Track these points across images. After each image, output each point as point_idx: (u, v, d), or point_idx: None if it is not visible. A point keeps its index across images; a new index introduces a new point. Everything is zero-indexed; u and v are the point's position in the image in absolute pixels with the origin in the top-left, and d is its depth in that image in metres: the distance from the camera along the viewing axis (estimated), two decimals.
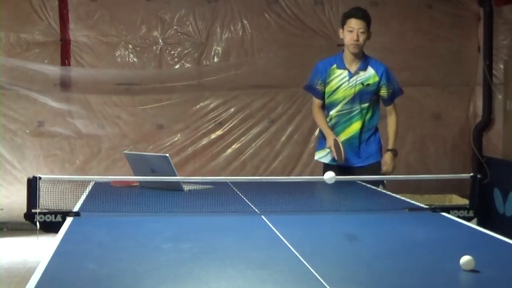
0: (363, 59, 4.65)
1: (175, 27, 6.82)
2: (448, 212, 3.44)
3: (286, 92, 6.84)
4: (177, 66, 6.84)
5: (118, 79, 6.76)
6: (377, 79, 4.62)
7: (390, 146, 4.64)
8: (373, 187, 4.26)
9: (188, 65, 6.85)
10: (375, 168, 4.58)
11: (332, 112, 4.65)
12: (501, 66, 6.60)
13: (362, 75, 4.62)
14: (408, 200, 3.79)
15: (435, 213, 3.42)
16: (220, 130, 6.85)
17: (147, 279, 2.17)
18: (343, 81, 4.62)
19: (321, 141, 4.74)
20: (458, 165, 6.75)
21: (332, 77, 4.65)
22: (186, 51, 6.83)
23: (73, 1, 6.69)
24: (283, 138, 6.86)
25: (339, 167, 4.54)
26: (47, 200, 3.31)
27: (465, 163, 6.82)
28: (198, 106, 6.85)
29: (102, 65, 6.76)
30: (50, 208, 3.28)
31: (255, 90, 6.85)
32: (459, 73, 6.88)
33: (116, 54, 6.79)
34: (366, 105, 4.62)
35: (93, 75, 6.73)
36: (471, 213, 3.52)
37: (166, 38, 6.81)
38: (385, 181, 4.31)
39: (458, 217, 3.41)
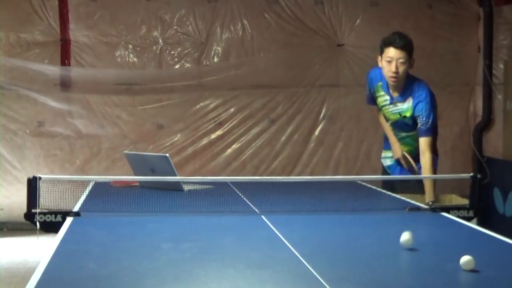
0: (405, 87, 4.19)
1: (175, 27, 6.81)
2: (448, 212, 3.44)
3: (286, 92, 6.84)
4: (177, 66, 6.84)
5: (118, 79, 6.76)
6: (411, 112, 4.17)
7: (426, 200, 3.93)
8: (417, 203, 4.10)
9: (188, 65, 6.84)
10: (415, 191, 4.13)
11: (388, 124, 4.40)
12: (501, 66, 6.60)
13: (400, 106, 4.21)
14: (408, 200, 3.79)
15: (435, 213, 3.42)
16: (220, 130, 6.84)
17: (147, 279, 2.17)
18: (385, 103, 4.30)
19: (386, 141, 4.46)
20: (458, 165, 6.75)
21: (377, 94, 4.32)
22: (186, 51, 6.83)
23: (73, 1, 6.69)
24: (283, 138, 6.86)
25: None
26: (47, 200, 3.31)
27: (465, 163, 6.82)
28: (198, 106, 6.85)
29: (102, 65, 6.76)
30: (50, 208, 3.28)
31: (255, 90, 6.85)
32: (459, 73, 6.88)
33: (116, 54, 6.79)
34: (409, 133, 4.26)
35: (93, 75, 6.73)
36: (471, 213, 3.52)
37: (166, 38, 6.81)
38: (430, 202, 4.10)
39: (458, 217, 3.41)
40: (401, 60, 4.11)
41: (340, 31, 6.79)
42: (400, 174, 4.37)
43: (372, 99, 4.41)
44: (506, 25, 6.58)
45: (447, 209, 3.50)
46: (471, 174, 3.71)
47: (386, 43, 4.19)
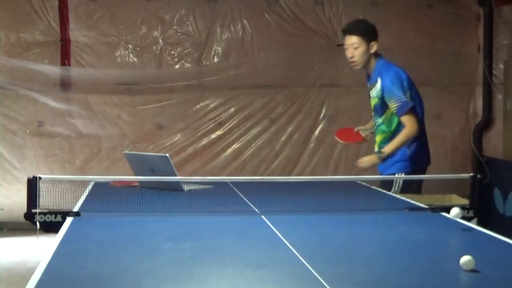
0: (374, 70, 4.39)
1: (175, 27, 6.82)
2: (448, 212, 3.44)
3: (286, 92, 6.84)
4: (177, 66, 6.84)
5: (118, 79, 6.76)
6: (380, 93, 4.35)
7: (379, 149, 4.34)
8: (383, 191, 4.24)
9: (188, 65, 6.85)
10: (388, 181, 4.36)
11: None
12: (501, 66, 6.60)
13: (374, 89, 4.39)
14: (408, 200, 3.79)
15: (435, 213, 3.42)
16: (220, 130, 6.85)
17: (147, 279, 2.17)
18: (369, 91, 4.50)
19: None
20: (458, 165, 6.75)
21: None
22: (186, 51, 6.83)
23: (73, 1, 6.69)
24: (283, 138, 6.86)
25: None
26: (47, 200, 3.31)
27: (465, 163, 6.82)
28: (198, 106, 6.85)
29: (102, 65, 6.76)
30: (50, 208, 3.28)
31: (255, 90, 6.85)
32: (459, 73, 6.88)
33: (116, 54, 6.79)
34: (383, 117, 4.39)
35: (93, 75, 6.73)
36: (471, 213, 3.52)
37: (166, 38, 6.81)
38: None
39: None
40: (354, 46, 4.32)
41: (340, 31, 6.78)
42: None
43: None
44: (506, 25, 6.58)
45: (447, 209, 3.50)
46: (471, 174, 3.71)
47: (342, 32, 4.47)
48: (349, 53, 4.36)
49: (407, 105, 4.29)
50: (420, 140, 4.46)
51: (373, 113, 4.52)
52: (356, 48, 4.33)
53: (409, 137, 4.31)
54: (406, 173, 4.38)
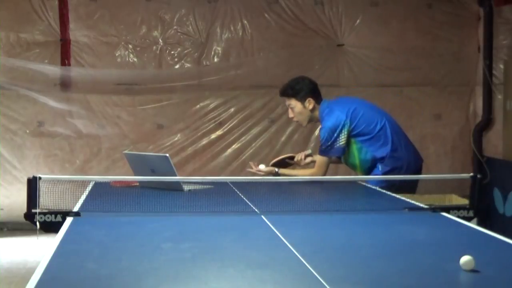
0: (320, 120, 4.60)
1: (175, 27, 6.82)
2: (448, 212, 3.44)
3: None
4: (177, 66, 6.84)
5: (118, 79, 6.76)
6: None
7: (280, 170, 4.64)
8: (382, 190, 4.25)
9: (188, 65, 6.85)
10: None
11: None
12: (501, 66, 6.60)
13: None
14: (408, 200, 3.79)
15: (435, 213, 3.42)
16: (220, 130, 6.85)
17: (147, 279, 2.17)
18: None
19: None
20: (458, 165, 6.75)
21: None
22: (186, 51, 6.83)
23: (73, 1, 6.69)
24: (283, 138, 6.86)
25: None
26: (47, 200, 3.31)
27: (465, 163, 6.82)
28: (198, 106, 6.85)
29: (102, 65, 6.76)
30: (50, 208, 3.28)
31: (255, 90, 6.85)
32: (459, 73, 6.88)
33: (116, 54, 6.79)
34: (343, 157, 4.61)
35: (93, 75, 6.73)
36: (471, 213, 3.52)
37: (166, 38, 6.81)
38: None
39: (458, 217, 3.40)
40: (291, 106, 4.60)
41: (340, 31, 6.79)
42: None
43: None
44: (506, 25, 6.58)
45: (447, 209, 3.50)
46: (471, 174, 3.71)
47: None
48: (289, 114, 4.65)
49: (321, 147, 4.53)
50: (394, 159, 4.49)
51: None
52: (291, 108, 4.61)
53: (310, 177, 4.56)
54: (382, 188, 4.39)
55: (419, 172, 4.66)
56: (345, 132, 4.46)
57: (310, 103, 4.55)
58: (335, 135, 4.46)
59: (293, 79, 4.68)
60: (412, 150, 4.67)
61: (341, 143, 4.47)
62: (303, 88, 4.58)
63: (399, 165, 4.51)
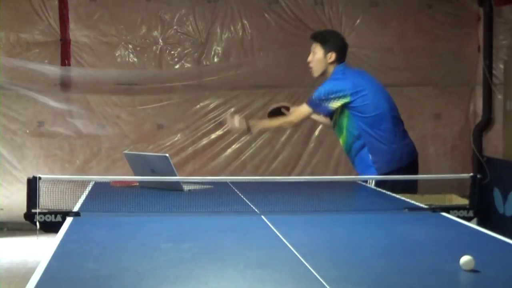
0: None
1: (175, 27, 6.82)
2: (448, 212, 3.44)
3: (286, 92, 6.83)
4: (177, 66, 6.84)
5: (118, 79, 6.76)
6: None
7: (253, 123, 4.68)
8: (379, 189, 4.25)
9: (188, 65, 6.85)
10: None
11: None
12: (501, 66, 6.60)
13: None
14: (408, 200, 3.79)
15: (435, 213, 3.42)
16: (220, 130, 6.84)
17: (147, 279, 2.17)
18: None
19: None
20: (458, 165, 6.75)
21: None
22: (186, 51, 6.83)
23: (73, 1, 6.69)
24: (283, 138, 6.86)
25: None
26: (47, 200, 3.31)
27: (465, 163, 6.82)
28: (198, 106, 6.85)
29: (102, 65, 6.76)
30: (50, 208, 3.28)
31: (255, 90, 6.85)
32: (459, 73, 6.88)
33: (116, 54, 6.79)
34: (333, 121, 4.59)
35: (93, 75, 6.73)
36: (471, 213, 3.52)
37: (166, 38, 6.81)
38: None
39: (458, 217, 3.40)
40: (313, 50, 4.57)
41: (340, 31, 6.77)
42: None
43: None
44: (506, 25, 6.58)
45: (447, 209, 3.50)
46: (471, 174, 3.71)
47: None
48: (309, 58, 4.61)
49: (309, 97, 4.53)
50: (383, 144, 4.46)
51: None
52: (312, 53, 4.57)
53: (286, 124, 4.71)
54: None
55: (415, 163, 4.63)
56: (341, 101, 4.42)
57: (331, 57, 4.51)
58: (330, 97, 4.43)
59: (330, 30, 4.71)
60: (406, 143, 4.61)
61: (331, 106, 4.45)
62: (333, 41, 4.57)
63: (390, 158, 4.46)
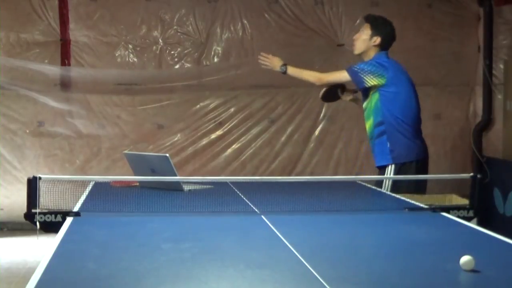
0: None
1: (175, 27, 6.82)
2: (448, 212, 3.44)
3: (286, 92, 6.84)
4: (177, 66, 6.84)
5: (118, 79, 6.76)
6: None
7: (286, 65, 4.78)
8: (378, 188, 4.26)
9: (188, 65, 6.85)
10: (381, 172, 4.57)
11: None
12: (501, 66, 6.60)
13: None
14: (408, 200, 3.79)
15: (435, 213, 3.42)
16: (220, 130, 6.84)
17: (147, 279, 2.17)
18: None
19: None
20: (458, 165, 6.75)
21: None
22: (186, 51, 6.83)
23: (73, 1, 6.69)
24: (283, 138, 6.86)
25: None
26: (47, 200, 3.31)
27: (465, 163, 6.82)
28: (198, 106, 6.85)
29: (102, 65, 6.76)
30: (50, 208, 3.28)
31: (255, 90, 6.85)
32: (459, 73, 6.88)
33: (116, 54, 6.79)
34: (367, 101, 4.64)
35: (93, 75, 6.73)
36: (471, 213, 3.52)
37: (166, 38, 6.81)
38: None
39: (458, 217, 3.41)
40: (362, 29, 4.68)
41: (340, 31, 6.79)
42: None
43: None
44: (506, 25, 6.58)
45: (447, 209, 3.50)
46: (471, 174, 3.71)
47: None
48: (356, 35, 4.72)
49: (353, 68, 4.60)
50: (403, 135, 4.56)
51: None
52: (361, 31, 4.67)
53: (314, 78, 4.79)
54: (391, 165, 4.51)
55: (427, 160, 4.72)
56: (377, 81, 4.52)
57: (376, 41, 4.62)
58: (370, 73, 4.53)
59: (385, 18, 4.77)
60: (422, 139, 4.77)
61: (366, 80, 4.54)
62: (383, 28, 4.66)
63: (408, 151, 4.57)
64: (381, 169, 4.57)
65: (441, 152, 6.89)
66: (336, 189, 4.15)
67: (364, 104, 4.66)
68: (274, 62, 4.79)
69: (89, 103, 6.75)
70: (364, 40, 4.64)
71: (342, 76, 4.66)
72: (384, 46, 4.65)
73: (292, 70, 4.79)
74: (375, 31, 4.62)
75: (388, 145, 4.54)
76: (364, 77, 4.54)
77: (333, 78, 4.74)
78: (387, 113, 4.54)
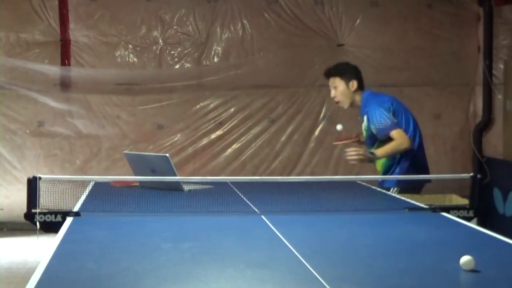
0: (362, 106, 4.50)
1: (175, 27, 6.82)
2: (448, 212, 3.44)
3: (286, 92, 6.84)
4: (177, 66, 6.84)
5: (118, 79, 6.76)
6: (369, 125, 4.43)
7: (373, 151, 4.35)
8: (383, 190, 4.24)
9: (188, 65, 6.85)
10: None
11: None
12: (501, 66, 6.60)
13: (363, 124, 4.50)
14: (408, 200, 3.79)
15: (435, 213, 3.42)
16: (220, 130, 6.85)
17: (147, 279, 2.17)
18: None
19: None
20: (458, 165, 6.75)
21: None
22: (186, 51, 6.83)
23: (73, 1, 6.69)
24: (283, 138, 6.86)
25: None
26: (47, 200, 3.31)
27: (465, 163, 6.82)
28: (198, 106, 6.85)
29: (102, 65, 6.76)
30: (50, 208, 3.28)
31: (255, 90, 6.85)
32: (459, 73, 6.88)
33: (116, 54, 6.79)
34: (375, 147, 4.42)
35: (93, 75, 6.73)
36: (471, 213, 3.52)
37: (166, 38, 6.81)
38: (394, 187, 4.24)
39: (458, 217, 3.41)
40: (334, 85, 4.50)
41: (340, 31, 6.79)
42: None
43: None
44: (506, 25, 6.58)
45: (447, 209, 3.50)
46: (471, 174, 3.71)
47: (324, 76, 4.62)
48: (331, 93, 4.54)
49: (388, 125, 4.32)
50: (410, 162, 4.42)
51: (365, 144, 4.57)
52: (334, 88, 4.51)
53: (399, 148, 4.32)
54: (395, 187, 4.35)
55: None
56: (391, 111, 4.39)
57: (353, 85, 4.48)
58: (391, 109, 4.37)
59: (339, 63, 4.70)
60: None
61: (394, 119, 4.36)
62: (348, 70, 4.56)
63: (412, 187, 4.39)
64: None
65: (441, 152, 6.89)
66: (336, 189, 4.15)
67: (372, 149, 4.43)
68: (361, 152, 4.38)
69: (89, 103, 6.75)
70: (343, 92, 4.47)
71: (401, 133, 4.34)
72: (361, 85, 4.51)
73: (381, 152, 4.36)
74: (346, 77, 4.48)
75: (397, 170, 4.41)
76: (389, 120, 4.34)
77: (402, 137, 4.33)
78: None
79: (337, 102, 4.55)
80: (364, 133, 4.52)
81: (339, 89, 4.50)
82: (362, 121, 4.50)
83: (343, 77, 4.49)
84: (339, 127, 4.58)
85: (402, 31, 6.84)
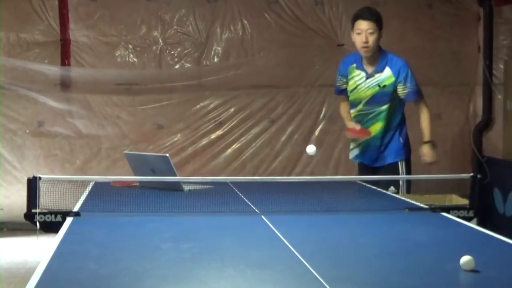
0: (380, 59, 4.47)
1: (175, 27, 6.81)
2: (448, 212, 3.44)
3: (286, 92, 6.84)
4: (177, 66, 6.84)
5: (118, 79, 6.76)
6: (393, 79, 4.42)
7: (425, 139, 4.45)
8: (383, 190, 4.23)
9: (188, 65, 6.84)
10: (391, 169, 4.49)
11: (353, 111, 4.60)
12: (501, 66, 6.60)
13: (378, 77, 4.44)
14: (408, 200, 3.79)
15: (435, 213, 3.42)
16: (220, 130, 6.84)
17: (147, 279, 2.17)
18: (360, 82, 4.51)
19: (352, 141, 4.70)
20: (458, 165, 6.74)
21: (350, 76, 4.56)
22: (186, 51, 6.83)
23: (73, 1, 6.69)
24: (283, 138, 6.86)
25: (365, 167, 4.60)
26: (47, 200, 3.31)
27: (465, 163, 6.81)
28: (198, 106, 6.85)
29: (102, 65, 6.76)
30: (50, 208, 3.28)
31: (255, 90, 6.85)
32: (459, 73, 6.88)
33: (116, 54, 6.79)
34: (385, 106, 4.46)
35: (93, 75, 6.73)
36: (471, 213, 3.52)
37: (166, 38, 6.81)
38: (395, 187, 4.26)
39: (458, 217, 3.41)
40: (369, 31, 4.40)
41: (340, 31, 6.78)
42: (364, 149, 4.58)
43: (341, 90, 4.67)
44: (506, 25, 6.58)
45: (447, 209, 3.50)
46: (471, 174, 3.71)
47: (356, 17, 4.53)
48: (363, 37, 4.40)
49: (420, 92, 4.48)
50: (405, 128, 4.60)
51: (364, 103, 4.54)
52: (371, 34, 4.42)
53: (431, 119, 4.50)
54: (403, 160, 4.53)
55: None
56: None
57: (381, 35, 4.48)
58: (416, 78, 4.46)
59: (373, 8, 4.66)
60: None
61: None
62: (381, 20, 4.52)
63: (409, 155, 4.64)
64: (382, 169, 4.54)
65: (441, 152, 6.87)
66: (336, 189, 4.15)
67: (384, 107, 4.48)
68: (431, 151, 4.48)
69: (89, 103, 6.75)
70: (376, 41, 4.43)
71: (426, 103, 4.54)
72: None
73: (429, 133, 4.48)
74: (381, 27, 4.46)
75: (401, 140, 4.54)
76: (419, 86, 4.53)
77: (429, 108, 4.54)
78: (402, 110, 4.56)
79: (366, 48, 4.42)
80: (372, 90, 4.47)
81: (374, 35, 4.41)
82: (377, 73, 4.45)
83: (378, 25, 4.45)
84: (310, 150, 4.06)
85: (402, 31, 6.83)
